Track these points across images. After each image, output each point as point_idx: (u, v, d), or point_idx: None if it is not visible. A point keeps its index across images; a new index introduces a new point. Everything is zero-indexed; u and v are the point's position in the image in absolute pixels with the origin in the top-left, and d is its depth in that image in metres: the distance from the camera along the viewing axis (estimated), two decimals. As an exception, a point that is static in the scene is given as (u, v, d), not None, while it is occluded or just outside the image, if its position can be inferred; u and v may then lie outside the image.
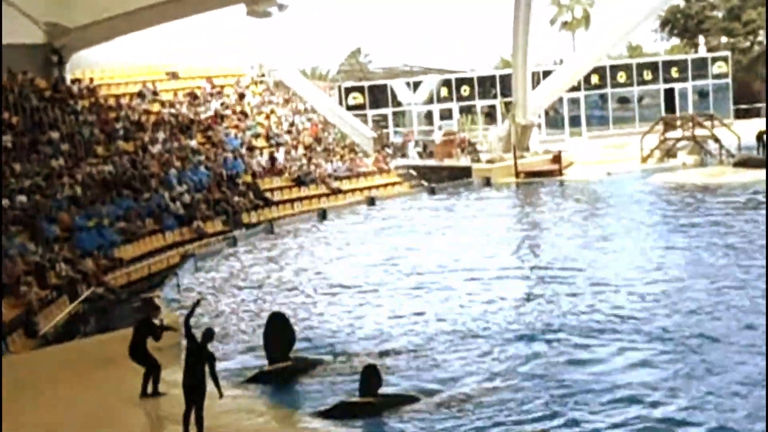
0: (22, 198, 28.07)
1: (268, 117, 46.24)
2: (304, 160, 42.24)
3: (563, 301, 20.91)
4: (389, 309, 21.70)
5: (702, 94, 64.94)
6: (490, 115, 61.74)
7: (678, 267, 23.57)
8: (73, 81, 40.84)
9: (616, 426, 13.41)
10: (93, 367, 17.43)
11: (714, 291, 20.69)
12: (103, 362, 17.61)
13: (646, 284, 21.96)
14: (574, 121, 63.36)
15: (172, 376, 15.77)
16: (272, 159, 41.24)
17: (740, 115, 62.92)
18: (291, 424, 14.69)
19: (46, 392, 16.02)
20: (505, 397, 14.94)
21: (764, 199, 31.29)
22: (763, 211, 28.77)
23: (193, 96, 44.81)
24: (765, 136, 43.63)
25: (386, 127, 60.62)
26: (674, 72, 64.72)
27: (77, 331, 21.73)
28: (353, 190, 41.81)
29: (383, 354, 17.73)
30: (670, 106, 62.73)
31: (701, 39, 72.16)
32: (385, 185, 43.61)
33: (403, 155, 51.56)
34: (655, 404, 14.15)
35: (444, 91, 62.86)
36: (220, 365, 14.74)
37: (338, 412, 14.61)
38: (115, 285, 25.94)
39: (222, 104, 44.90)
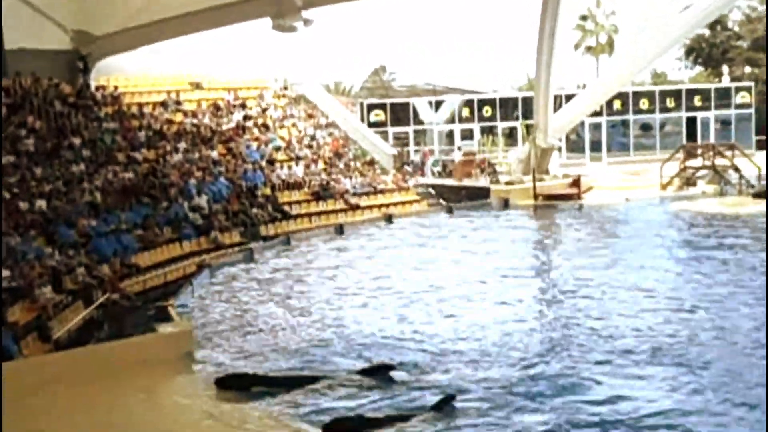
0: (42, 202, 28.26)
1: (289, 130, 46.41)
2: (324, 175, 42.36)
3: (578, 323, 20.97)
4: (399, 323, 21.83)
5: (724, 123, 64.74)
6: (511, 137, 61.74)
7: (693, 295, 23.56)
8: (98, 88, 41.17)
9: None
10: (105, 372, 17.53)
11: (727, 318, 20.79)
12: (116, 369, 17.73)
13: (661, 309, 22.01)
14: (595, 146, 63.27)
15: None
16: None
17: (762, 145, 62.59)
18: None
19: (57, 396, 16.12)
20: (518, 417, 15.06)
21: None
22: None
23: (215, 107, 45.04)
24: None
25: (407, 144, 60.68)
26: (697, 100, 64.60)
27: (91, 337, 21.83)
28: (371, 207, 41.83)
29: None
30: (691, 135, 62.60)
31: (725, 68, 72.07)
32: (404, 203, 43.61)
33: (422, 174, 51.61)
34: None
35: (466, 111, 62.90)
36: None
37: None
38: (131, 292, 26.06)
39: (244, 116, 45.10)
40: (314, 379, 17.21)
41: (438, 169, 52.48)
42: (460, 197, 45.93)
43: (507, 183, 47.34)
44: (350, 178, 43.18)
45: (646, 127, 65.09)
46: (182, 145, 38.89)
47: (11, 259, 22.91)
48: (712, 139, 59.74)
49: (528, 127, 52.92)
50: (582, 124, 58.82)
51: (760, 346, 18.26)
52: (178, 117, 42.37)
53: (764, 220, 35.18)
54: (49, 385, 16.29)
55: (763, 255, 27.92)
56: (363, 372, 17.49)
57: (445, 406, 15.26)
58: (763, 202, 39.47)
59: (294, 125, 47.22)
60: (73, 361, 18.13)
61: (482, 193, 46.04)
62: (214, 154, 39.76)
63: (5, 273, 21.53)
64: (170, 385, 17.69)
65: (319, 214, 39.47)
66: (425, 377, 17.32)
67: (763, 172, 45.53)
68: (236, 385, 16.93)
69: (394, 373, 17.45)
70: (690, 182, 46.94)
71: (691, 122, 63.91)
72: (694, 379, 16.54)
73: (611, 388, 16.28)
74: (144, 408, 16.28)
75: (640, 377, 16.82)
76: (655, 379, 16.69)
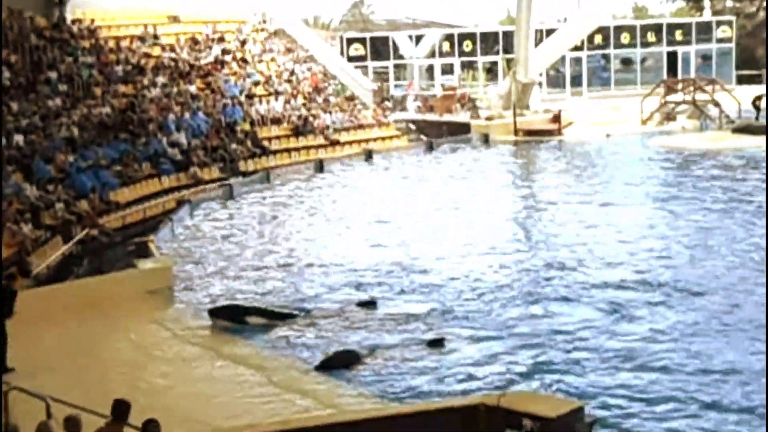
0: (19, 138, 28.00)
1: (268, 65, 46.01)
2: (303, 110, 42.09)
3: (555, 258, 21.12)
4: (381, 257, 21.92)
5: (705, 58, 64.56)
6: (491, 72, 61.43)
7: (672, 229, 23.77)
8: (74, 21, 40.50)
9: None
10: (85, 308, 17.54)
11: (706, 251, 20.99)
12: (96, 304, 17.75)
13: (637, 242, 22.24)
14: (576, 81, 63.00)
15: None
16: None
17: (743, 80, 62.60)
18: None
19: (37, 331, 16.11)
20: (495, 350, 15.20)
21: (761, 166, 31.31)
22: (758, 176, 28.98)
23: (194, 41, 44.51)
24: (760, 102, 43.68)
25: (387, 79, 60.28)
26: (678, 35, 64.25)
27: (70, 273, 21.79)
28: (351, 142, 41.66)
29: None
30: (672, 69, 62.42)
31: (707, 2, 71.70)
32: (384, 138, 43.47)
33: (403, 108, 51.40)
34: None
35: (446, 46, 62.40)
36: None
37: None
38: (110, 228, 25.96)
39: (223, 50, 44.62)
40: (304, 313, 17.44)
41: (417, 104, 52.23)
42: (441, 132, 45.81)
43: (487, 118, 47.23)
44: (330, 113, 42.92)
45: (626, 62, 64.87)
46: (160, 80, 38.48)
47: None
48: (692, 74, 59.60)
49: (509, 62, 52.71)
50: (562, 58, 58.53)
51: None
52: (156, 51, 41.85)
53: (742, 155, 35.45)
54: (29, 320, 16.23)
55: (742, 190, 28.22)
56: (359, 304, 17.83)
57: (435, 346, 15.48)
58: (742, 137, 39.67)
59: (273, 60, 46.80)
60: (53, 297, 18.11)
61: (463, 129, 45.97)
62: (193, 88, 39.37)
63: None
64: (150, 320, 17.73)
65: (298, 149, 39.28)
66: (412, 310, 17.49)
67: (743, 107, 45.59)
68: (229, 316, 17.03)
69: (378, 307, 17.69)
70: (670, 117, 47.00)
71: (672, 57, 63.65)
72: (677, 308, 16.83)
73: (590, 319, 16.48)
74: (123, 342, 16.34)
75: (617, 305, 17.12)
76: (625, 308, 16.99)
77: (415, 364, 14.64)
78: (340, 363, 14.71)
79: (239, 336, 16.48)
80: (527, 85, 48.62)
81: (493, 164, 37.84)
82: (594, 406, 12.21)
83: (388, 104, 50.51)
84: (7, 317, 14.63)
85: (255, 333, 16.54)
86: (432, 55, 62.48)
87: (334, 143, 40.91)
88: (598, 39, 61.80)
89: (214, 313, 17.20)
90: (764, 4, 69.04)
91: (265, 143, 38.23)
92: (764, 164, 31.17)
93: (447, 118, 48.17)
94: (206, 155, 34.40)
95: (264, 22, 50.76)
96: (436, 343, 15.48)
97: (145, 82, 37.69)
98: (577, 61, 62.42)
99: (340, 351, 15.14)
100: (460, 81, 57.85)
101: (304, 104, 42.95)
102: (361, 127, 43.37)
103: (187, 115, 36.36)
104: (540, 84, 54.52)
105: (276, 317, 17.14)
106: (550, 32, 53.48)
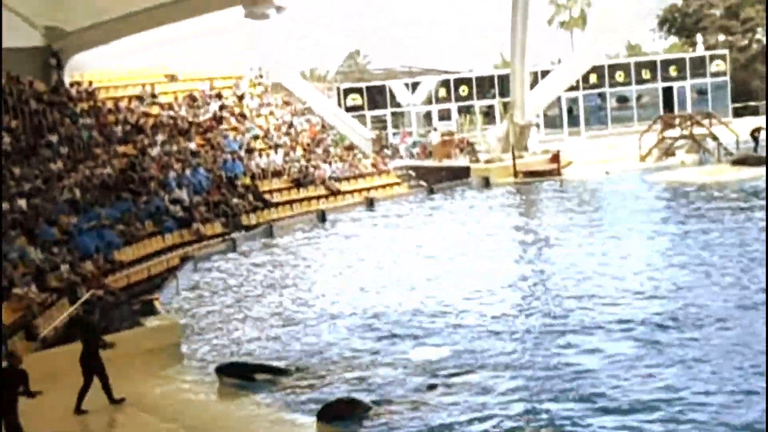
0: (22, 202, 28.11)
1: (266, 119, 46.28)
2: (303, 162, 42.28)
3: (562, 301, 21.03)
4: (385, 308, 21.85)
5: (700, 92, 64.99)
6: (488, 115, 61.81)
7: (677, 266, 23.68)
8: (72, 84, 40.90)
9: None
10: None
11: (711, 288, 20.87)
12: (104, 364, 17.66)
13: (644, 282, 22.08)
14: (573, 121, 63.37)
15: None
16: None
17: (739, 113, 62.97)
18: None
19: (47, 394, 16.05)
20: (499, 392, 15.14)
21: (762, 198, 31.33)
22: (761, 211, 28.93)
23: (191, 98, 44.84)
24: (759, 134, 43.92)
25: (385, 128, 60.65)
26: (672, 71, 64.79)
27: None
28: (352, 191, 41.83)
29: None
30: (668, 105, 62.79)
31: (699, 37, 72.29)
32: (384, 186, 43.64)
33: (399, 156, 51.67)
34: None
35: (442, 92, 62.91)
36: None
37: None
38: (115, 287, 25.98)
39: (221, 106, 44.92)
40: (310, 366, 17.42)
41: (416, 150, 52.48)
42: (441, 178, 45.99)
43: (487, 161, 47.48)
44: (330, 163, 43.12)
45: (622, 100, 65.27)
46: (160, 138, 38.74)
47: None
48: (688, 109, 59.93)
49: (505, 105, 53.03)
50: (559, 99, 58.89)
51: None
52: (155, 110, 42.16)
53: (743, 186, 35.48)
54: (39, 383, 16.19)
55: (745, 224, 28.18)
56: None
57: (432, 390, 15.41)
58: (742, 169, 39.76)
59: (271, 113, 47.09)
60: (61, 358, 18.06)
61: (462, 173, 46.15)
62: (192, 145, 39.61)
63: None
64: (159, 378, 17.70)
65: (300, 201, 39.42)
66: (421, 355, 17.45)
67: (741, 138, 45.79)
68: (236, 374, 17.00)
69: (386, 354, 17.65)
70: (669, 152, 47.18)
71: (668, 92, 64.12)
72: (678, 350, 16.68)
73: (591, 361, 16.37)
74: (133, 401, 16.27)
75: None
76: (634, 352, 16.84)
77: (424, 408, 14.54)
78: (343, 412, 14.38)
79: (245, 392, 16.43)
80: (525, 126, 48.87)
81: (495, 206, 37.88)
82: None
83: (387, 152, 50.75)
84: (103, 348, 15.99)
85: (261, 388, 16.48)
86: (429, 101, 62.96)
87: (335, 193, 41.06)
88: (593, 78, 62.31)
89: (221, 370, 17.18)
90: (755, 37, 69.57)
91: (267, 196, 38.37)
92: (764, 194, 31.23)
93: (446, 163, 48.41)
94: (208, 211, 34.52)
95: (260, 76, 51.18)
96: (433, 388, 15.39)
97: (145, 141, 37.93)
98: (574, 101, 62.81)
99: (341, 398, 14.88)
100: (458, 126, 58.17)
101: (303, 156, 43.18)
102: (361, 175, 43.57)
103: (187, 171, 36.55)
104: (537, 125, 54.80)
105: (282, 373, 17.09)
106: (545, 74, 53.87)
